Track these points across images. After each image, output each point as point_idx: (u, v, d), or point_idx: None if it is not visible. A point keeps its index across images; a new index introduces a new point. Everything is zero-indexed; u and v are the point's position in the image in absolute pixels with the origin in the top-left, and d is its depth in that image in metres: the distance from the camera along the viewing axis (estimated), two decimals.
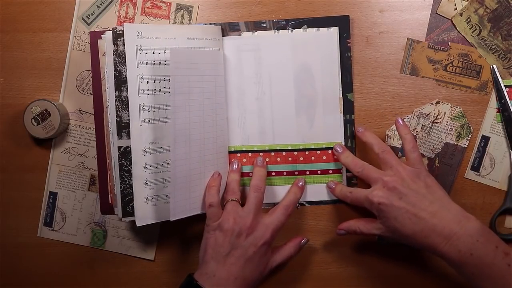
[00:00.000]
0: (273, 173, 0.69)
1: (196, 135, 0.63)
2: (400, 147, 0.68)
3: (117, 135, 0.63)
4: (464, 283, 0.58)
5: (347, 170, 0.68)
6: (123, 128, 0.63)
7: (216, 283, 0.58)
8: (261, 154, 0.69)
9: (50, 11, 0.70)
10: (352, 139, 0.68)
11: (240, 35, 0.68)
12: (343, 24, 0.68)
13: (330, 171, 0.68)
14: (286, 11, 0.68)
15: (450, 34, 0.67)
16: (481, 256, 0.55)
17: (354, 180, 0.69)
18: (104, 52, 0.64)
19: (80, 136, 0.70)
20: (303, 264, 0.69)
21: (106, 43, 0.63)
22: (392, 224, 0.59)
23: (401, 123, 0.64)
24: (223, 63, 0.68)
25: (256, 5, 0.69)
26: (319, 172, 0.68)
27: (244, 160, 0.69)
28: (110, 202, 0.66)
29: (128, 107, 0.62)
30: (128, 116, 0.62)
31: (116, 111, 0.62)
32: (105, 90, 0.65)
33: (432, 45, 0.68)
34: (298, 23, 0.68)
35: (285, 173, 0.69)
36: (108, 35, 0.62)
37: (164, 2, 0.69)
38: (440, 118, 0.68)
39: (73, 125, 0.70)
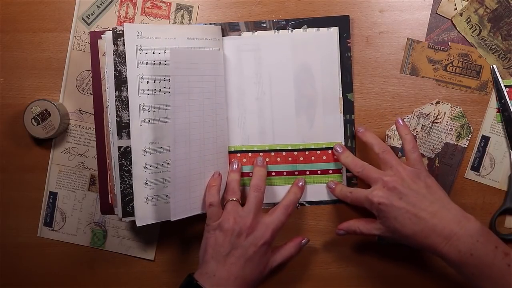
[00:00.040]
0: (273, 173, 0.69)
1: (196, 135, 0.63)
2: (400, 147, 0.68)
3: (117, 135, 0.63)
4: (464, 283, 0.58)
5: (347, 170, 0.68)
6: (123, 128, 0.63)
7: (216, 283, 0.58)
8: (261, 154, 0.69)
9: (50, 11, 0.70)
10: (352, 139, 0.68)
11: (240, 35, 0.68)
12: (343, 24, 0.68)
13: (330, 171, 0.68)
14: (286, 11, 0.68)
15: (450, 34, 0.67)
16: (481, 256, 0.55)
17: (354, 180, 0.69)
18: (104, 52, 0.64)
19: (80, 136, 0.70)
20: (303, 264, 0.69)
21: (106, 43, 0.63)
22: (392, 224, 0.59)
23: (401, 123, 0.64)
24: (223, 63, 0.68)
25: (256, 5, 0.69)
26: (319, 172, 0.68)
27: (244, 160, 0.69)
28: (110, 202, 0.66)
29: (128, 107, 0.62)
30: (128, 116, 0.62)
31: (116, 111, 0.62)
32: (105, 90, 0.65)
33: (432, 45, 0.68)
34: (298, 23, 0.68)
35: (285, 173, 0.69)
36: (108, 35, 0.62)
37: (164, 2, 0.69)
38: (440, 118, 0.68)
39: (73, 125, 0.70)
